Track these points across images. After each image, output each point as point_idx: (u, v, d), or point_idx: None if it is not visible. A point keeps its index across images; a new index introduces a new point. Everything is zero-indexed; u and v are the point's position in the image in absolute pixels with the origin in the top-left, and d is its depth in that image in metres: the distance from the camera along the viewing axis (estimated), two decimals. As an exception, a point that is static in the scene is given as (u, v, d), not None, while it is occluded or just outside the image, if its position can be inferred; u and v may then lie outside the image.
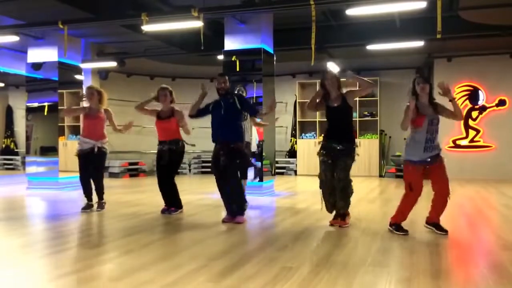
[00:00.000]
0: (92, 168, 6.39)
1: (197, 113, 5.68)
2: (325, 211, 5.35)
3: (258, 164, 7.76)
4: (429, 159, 4.83)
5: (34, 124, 10.02)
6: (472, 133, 11.36)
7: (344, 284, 3.18)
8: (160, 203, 6.33)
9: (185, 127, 6.17)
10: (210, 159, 5.70)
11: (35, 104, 9.75)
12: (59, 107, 9.45)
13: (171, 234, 4.96)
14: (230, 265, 3.59)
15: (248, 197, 7.14)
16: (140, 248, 4.25)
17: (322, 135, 5.33)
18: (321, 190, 5.28)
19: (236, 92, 6.79)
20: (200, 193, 8.28)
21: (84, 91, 6.58)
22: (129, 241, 4.59)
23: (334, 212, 5.32)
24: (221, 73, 5.74)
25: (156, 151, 6.23)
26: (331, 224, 5.23)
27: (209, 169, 12.77)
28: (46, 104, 9.57)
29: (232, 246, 4.37)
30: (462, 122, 11.13)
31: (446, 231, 4.82)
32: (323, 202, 5.31)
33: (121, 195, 8.12)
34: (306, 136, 12.74)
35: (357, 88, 5.23)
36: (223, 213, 6.49)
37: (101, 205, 6.44)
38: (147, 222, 5.61)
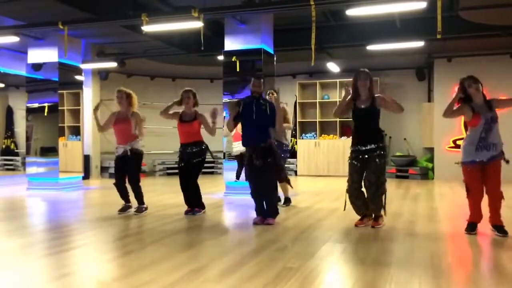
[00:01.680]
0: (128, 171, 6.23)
1: (235, 123, 5.67)
2: (325, 211, 5.36)
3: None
4: (484, 159, 4.69)
5: (34, 125, 10.02)
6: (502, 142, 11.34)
7: (344, 285, 3.18)
8: (161, 203, 6.33)
9: (213, 127, 6.05)
10: (244, 162, 5.62)
11: (35, 105, 9.75)
12: (59, 108, 9.46)
13: (171, 234, 4.96)
14: (231, 265, 3.59)
15: (247, 197, 7.15)
16: (140, 248, 4.26)
17: (351, 138, 5.17)
18: (347, 193, 5.20)
19: (269, 94, 6.74)
20: (204, 193, 8.28)
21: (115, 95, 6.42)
22: (129, 241, 4.59)
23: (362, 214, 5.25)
24: (256, 75, 5.69)
25: (155, 152, 6.22)
26: (356, 225, 5.17)
27: (209, 170, 12.80)
28: (46, 104, 9.57)
29: (233, 246, 4.37)
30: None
31: (504, 233, 4.66)
32: (347, 204, 5.23)
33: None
34: (307, 137, 12.73)
35: (389, 102, 5.09)
36: (224, 213, 6.51)
37: (139, 209, 6.23)
38: (147, 222, 5.60)
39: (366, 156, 5.02)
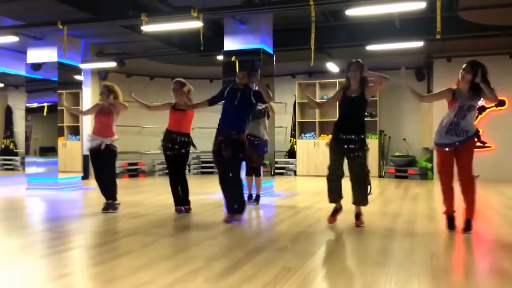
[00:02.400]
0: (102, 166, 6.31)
1: (211, 102, 5.74)
2: (324, 211, 5.36)
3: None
4: (452, 142, 4.78)
5: (33, 125, 10.02)
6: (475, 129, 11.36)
7: (344, 285, 3.18)
8: (160, 203, 6.33)
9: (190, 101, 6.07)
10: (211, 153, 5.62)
11: (35, 105, 9.75)
12: (59, 107, 9.46)
13: (170, 234, 4.96)
14: (230, 266, 3.59)
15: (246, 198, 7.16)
16: (139, 248, 4.25)
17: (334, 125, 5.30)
18: (328, 181, 5.26)
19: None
20: (200, 193, 8.27)
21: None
22: (128, 241, 4.59)
23: (334, 206, 5.33)
24: (241, 68, 5.80)
25: (155, 151, 6.23)
26: (330, 222, 5.25)
27: (208, 170, 12.80)
28: (45, 104, 9.56)
29: (232, 247, 4.37)
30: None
31: (467, 230, 4.76)
32: (328, 193, 5.30)
33: (121, 196, 8.08)
34: (306, 137, 12.74)
35: (375, 86, 5.21)
36: (223, 214, 6.49)
37: (111, 205, 6.28)
38: (146, 222, 5.60)
39: (346, 146, 5.09)
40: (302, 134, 12.83)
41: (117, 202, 6.34)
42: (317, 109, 12.46)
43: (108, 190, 6.31)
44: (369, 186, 5.19)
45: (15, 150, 14.91)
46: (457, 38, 9.63)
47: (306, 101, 12.55)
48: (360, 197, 5.18)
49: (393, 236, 4.75)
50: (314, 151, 12.46)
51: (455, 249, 4.42)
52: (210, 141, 5.62)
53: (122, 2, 8.36)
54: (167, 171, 12.34)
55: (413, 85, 5.10)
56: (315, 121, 12.59)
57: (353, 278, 3.33)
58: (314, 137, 12.61)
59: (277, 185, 9.01)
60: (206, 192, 8.37)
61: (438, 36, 6.00)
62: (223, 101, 5.64)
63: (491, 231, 5.28)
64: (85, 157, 10.92)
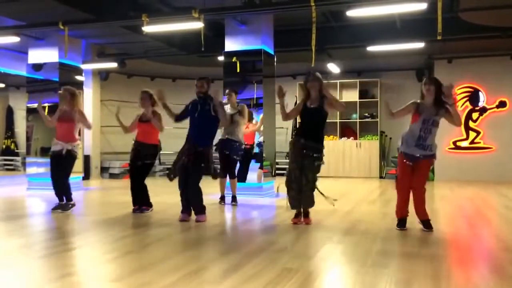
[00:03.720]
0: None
1: (177, 118, 5.83)
2: (325, 212, 5.36)
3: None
4: (419, 156, 4.92)
5: (34, 125, 10.02)
6: (472, 134, 11.36)
7: (345, 285, 3.18)
8: (160, 204, 6.34)
9: (158, 124, 6.19)
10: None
11: (36, 105, 9.75)
12: (60, 108, 9.45)
13: (171, 235, 4.96)
14: (230, 266, 3.59)
15: (248, 198, 7.18)
16: (139, 249, 4.25)
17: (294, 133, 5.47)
18: (287, 186, 5.37)
19: (227, 95, 7.00)
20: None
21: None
22: (128, 242, 4.59)
23: (295, 211, 5.44)
24: (201, 76, 5.78)
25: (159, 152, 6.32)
26: (294, 223, 5.33)
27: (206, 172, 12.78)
28: (46, 105, 9.56)
29: (232, 247, 4.37)
30: (462, 123, 11.13)
31: (430, 228, 4.93)
32: (288, 199, 5.40)
33: (121, 196, 8.11)
34: (307, 137, 12.73)
35: (333, 103, 5.39)
36: (222, 215, 6.50)
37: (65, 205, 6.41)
38: (146, 223, 5.60)
39: (305, 151, 5.19)
40: (303, 135, 12.81)
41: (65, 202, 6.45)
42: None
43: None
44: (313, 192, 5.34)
45: (16, 150, 14.91)
46: (458, 39, 9.64)
47: (284, 121, 12.48)
48: (308, 201, 5.33)
49: (393, 237, 4.75)
50: (315, 152, 12.44)
51: (455, 250, 4.42)
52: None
53: (123, 3, 8.37)
54: (167, 171, 12.43)
55: (413, 86, 5.12)
56: (316, 122, 12.58)
57: (354, 279, 3.33)
58: (314, 138, 12.60)
59: (278, 186, 8.99)
60: (206, 193, 8.35)
61: (439, 37, 6.01)
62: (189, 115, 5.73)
63: (492, 232, 5.28)
64: (85, 158, 10.95)
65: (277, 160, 10.97)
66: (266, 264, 3.65)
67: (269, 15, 8.22)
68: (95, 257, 4.05)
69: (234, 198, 7.08)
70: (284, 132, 13.29)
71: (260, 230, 5.42)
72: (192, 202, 5.61)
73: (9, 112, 15.13)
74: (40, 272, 3.63)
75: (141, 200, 6.29)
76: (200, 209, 5.61)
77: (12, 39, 8.58)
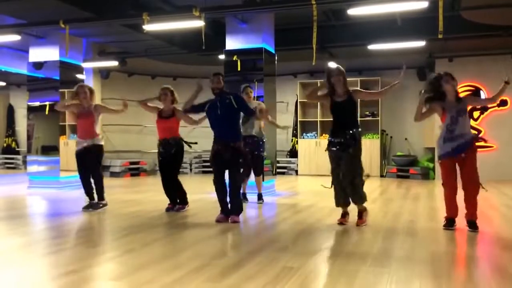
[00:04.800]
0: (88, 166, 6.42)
1: (191, 109, 5.75)
2: (325, 210, 5.36)
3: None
4: (451, 150, 4.88)
5: (35, 123, 10.03)
6: (472, 133, 11.35)
7: (345, 284, 3.18)
8: (161, 202, 6.34)
9: (190, 119, 6.20)
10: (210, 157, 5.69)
11: (37, 103, 9.76)
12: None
13: (172, 233, 4.96)
14: (231, 265, 3.59)
15: (249, 197, 7.17)
16: (141, 247, 4.26)
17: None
18: (332, 186, 5.31)
19: (241, 90, 6.90)
20: (201, 192, 8.28)
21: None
22: (130, 240, 4.60)
23: (341, 210, 5.35)
24: (215, 72, 5.72)
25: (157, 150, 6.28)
26: (340, 223, 5.24)
27: (209, 169, 12.78)
28: (47, 103, 9.57)
29: (233, 246, 4.38)
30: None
31: (475, 229, 4.86)
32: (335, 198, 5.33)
33: (122, 195, 8.13)
34: (307, 136, 12.73)
35: (367, 91, 5.28)
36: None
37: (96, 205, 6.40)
38: (148, 221, 5.61)
39: (339, 147, 5.13)
40: (304, 134, 12.82)
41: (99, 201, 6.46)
42: (318, 108, 12.47)
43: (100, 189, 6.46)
44: (362, 186, 5.22)
45: (17, 149, 14.94)
46: (459, 37, 9.62)
47: (307, 100, 12.56)
48: (354, 198, 5.22)
49: (394, 235, 4.75)
50: (316, 151, 12.46)
51: (456, 249, 4.42)
52: (211, 140, 5.62)
53: (123, 1, 8.37)
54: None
55: (414, 85, 5.12)
56: (317, 121, 12.59)
57: (354, 278, 3.33)
58: (315, 137, 12.61)
59: (278, 185, 9.01)
60: (207, 192, 8.37)
61: (440, 36, 6.00)
62: (204, 114, 5.68)
63: (493, 231, 5.27)
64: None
65: (277, 159, 10.98)
66: (266, 263, 3.65)
67: (270, 13, 8.21)
68: (96, 255, 4.05)
69: (260, 196, 7.03)
70: (284, 131, 13.28)
71: (261, 228, 5.42)
72: (232, 202, 5.48)
73: (10, 111, 15.16)
74: (41, 270, 3.63)
75: (176, 197, 6.26)
76: (241, 209, 5.54)
77: (13, 38, 8.58)
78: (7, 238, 4.73)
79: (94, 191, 6.43)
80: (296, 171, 12.67)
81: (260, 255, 3.90)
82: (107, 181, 10.71)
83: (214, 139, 5.57)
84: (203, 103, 5.63)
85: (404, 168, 11.61)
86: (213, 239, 4.66)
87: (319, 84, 5.42)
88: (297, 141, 12.86)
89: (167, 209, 6.21)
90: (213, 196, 7.23)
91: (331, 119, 5.39)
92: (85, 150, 6.28)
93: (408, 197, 7.83)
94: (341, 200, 5.29)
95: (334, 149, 5.15)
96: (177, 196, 6.28)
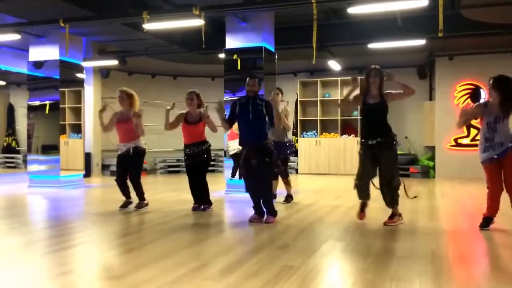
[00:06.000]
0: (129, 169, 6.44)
1: (230, 123, 5.67)
2: (326, 209, 5.35)
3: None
4: (494, 156, 4.87)
5: (35, 123, 10.02)
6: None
7: (346, 283, 3.18)
8: (162, 201, 6.35)
9: (215, 127, 6.16)
10: (241, 161, 5.63)
11: (37, 103, 9.75)
12: (61, 106, 9.48)
13: (172, 232, 4.96)
14: (231, 264, 3.60)
15: (248, 196, 7.16)
16: (141, 246, 4.26)
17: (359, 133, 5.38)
18: (356, 182, 5.28)
19: (271, 93, 6.92)
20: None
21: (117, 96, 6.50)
22: (130, 239, 4.60)
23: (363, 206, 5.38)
24: (251, 74, 5.68)
25: (154, 150, 6.30)
26: (360, 218, 5.29)
27: (212, 168, 12.79)
28: (47, 102, 9.57)
29: (233, 245, 4.38)
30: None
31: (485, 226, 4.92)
32: (358, 192, 5.34)
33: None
34: (308, 135, 12.73)
35: (397, 91, 5.30)
36: (224, 211, 6.51)
37: (140, 205, 6.41)
38: (148, 220, 5.61)
39: (376, 149, 5.10)
40: (304, 133, 12.82)
41: (145, 201, 6.50)
42: (318, 107, 12.45)
43: (139, 190, 6.47)
44: (398, 190, 5.25)
45: (17, 148, 14.93)
46: (459, 36, 9.61)
47: (308, 99, 12.48)
48: (388, 200, 5.22)
49: (395, 234, 4.75)
50: (316, 150, 12.45)
51: (457, 248, 4.42)
52: (212, 138, 5.63)
53: (123, 0, 8.36)
54: (168, 169, 12.54)
55: (414, 84, 5.12)
56: (317, 120, 12.57)
57: (355, 276, 3.33)
58: (315, 136, 12.60)
59: (278, 183, 9.00)
60: (212, 190, 8.37)
61: (440, 34, 5.99)
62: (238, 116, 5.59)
63: (493, 229, 5.27)
64: (86, 155, 10.96)
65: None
66: (267, 261, 3.65)
67: (270, 12, 8.20)
68: (96, 254, 4.06)
69: (288, 197, 7.02)
70: (285, 130, 13.29)
71: (260, 227, 5.43)
72: (265, 202, 5.46)
73: (10, 110, 15.14)
74: (42, 269, 3.64)
75: (203, 198, 6.30)
76: (273, 210, 5.52)
77: (13, 37, 8.58)
78: (7, 237, 4.74)
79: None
80: (296, 170, 12.67)
81: (260, 254, 3.91)
82: (108, 180, 10.72)
83: (240, 142, 5.56)
84: (234, 108, 5.54)
85: (404, 166, 11.59)
86: (213, 238, 4.66)
87: (350, 88, 5.39)
88: (297, 140, 12.85)
89: (194, 209, 6.23)
90: (215, 195, 7.23)
91: (331, 118, 5.39)
92: (128, 154, 6.32)
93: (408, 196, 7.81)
94: (365, 193, 5.30)
95: (375, 149, 5.12)
96: (203, 197, 6.29)
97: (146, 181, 10.80)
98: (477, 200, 7.62)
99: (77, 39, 9.61)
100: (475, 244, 4.55)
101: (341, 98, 5.52)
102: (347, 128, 12.48)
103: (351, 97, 5.37)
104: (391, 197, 5.20)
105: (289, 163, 7.04)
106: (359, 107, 5.43)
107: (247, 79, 5.53)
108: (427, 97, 12.06)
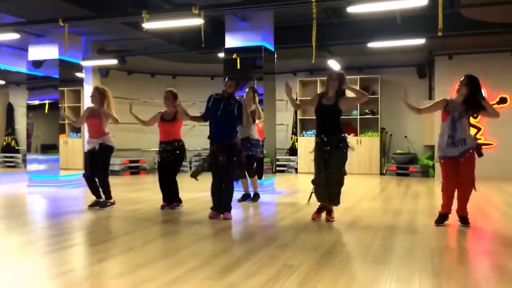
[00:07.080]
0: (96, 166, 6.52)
1: (206, 118, 5.78)
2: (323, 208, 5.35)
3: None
4: (454, 155, 5.05)
5: (35, 122, 10.01)
6: (473, 131, 11.29)
7: (345, 282, 3.18)
8: (161, 201, 6.35)
9: (194, 118, 6.27)
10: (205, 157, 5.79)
11: (36, 102, 9.74)
12: (60, 105, 9.46)
13: (172, 231, 4.96)
14: (231, 263, 3.60)
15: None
16: (141, 245, 4.26)
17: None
18: (314, 188, 5.40)
19: (247, 89, 6.95)
20: (201, 190, 8.27)
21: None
22: (130, 238, 4.60)
23: (318, 206, 5.48)
24: (231, 77, 5.76)
25: (157, 149, 6.33)
26: (313, 219, 5.39)
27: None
28: (47, 102, 9.56)
29: (233, 244, 4.38)
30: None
31: (467, 224, 5.08)
32: (312, 196, 5.50)
33: (122, 193, 8.12)
34: (307, 134, 12.72)
35: (352, 97, 5.55)
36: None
37: (103, 203, 6.46)
38: (148, 219, 5.61)
39: (327, 148, 5.25)
40: (303, 132, 12.82)
41: (106, 200, 6.57)
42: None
43: (106, 188, 6.60)
44: (341, 188, 5.35)
45: (16, 148, 14.92)
46: (459, 35, 9.61)
47: (307, 98, 12.53)
48: (334, 198, 5.31)
49: (394, 233, 4.75)
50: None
51: (456, 246, 4.42)
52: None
53: (123, 0, 8.35)
54: (194, 170, 12.52)
55: (414, 83, 5.19)
56: (316, 119, 12.56)
57: (354, 275, 3.33)
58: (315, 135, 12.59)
59: (278, 183, 9.02)
60: (207, 190, 8.37)
61: (439, 33, 5.99)
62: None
63: (493, 228, 5.28)
64: (86, 155, 10.94)
65: (277, 157, 10.99)
66: (266, 261, 3.65)
67: (269, 11, 8.20)
68: (96, 254, 4.05)
69: (256, 196, 7.07)
70: (284, 129, 13.29)
71: (261, 226, 5.43)
72: (225, 199, 5.59)
73: (10, 109, 15.14)
74: (41, 269, 3.63)
75: (172, 196, 6.36)
76: (230, 206, 5.63)
77: (12, 36, 8.56)
78: (7, 237, 4.73)
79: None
80: (296, 169, 12.67)
81: (260, 253, 3.91)
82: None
83: (209, 137, 5.66)
84: (208, 102, 5.68)
85: (403, 166, 11.61)
86: (213, 237, 4.66)
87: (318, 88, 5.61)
88: (296, 139, 12.85)
89: (162, 207, 6.31)
90: (203, 194, 7.23)
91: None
92: (94, 150, 6.41)
93: (408, 195, 7.83)
94: (323, 197, 5.38)
95: (327, 148, 5.24)
96: (172, 195, 6.36)
97: (146, 180, 10.81)
98: (476, 199, 7.62)
99: (76, 38, 9.59)
100: (475, 243, 4.55)
101: (294, 106, 5.77)
102: (346, 128, 12.45)
103: (291, 100, 5.64)
104: (337, 196, 5.31)
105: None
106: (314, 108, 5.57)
107: (226, 79, 5.69)
108: (426, 96, 12.06)
